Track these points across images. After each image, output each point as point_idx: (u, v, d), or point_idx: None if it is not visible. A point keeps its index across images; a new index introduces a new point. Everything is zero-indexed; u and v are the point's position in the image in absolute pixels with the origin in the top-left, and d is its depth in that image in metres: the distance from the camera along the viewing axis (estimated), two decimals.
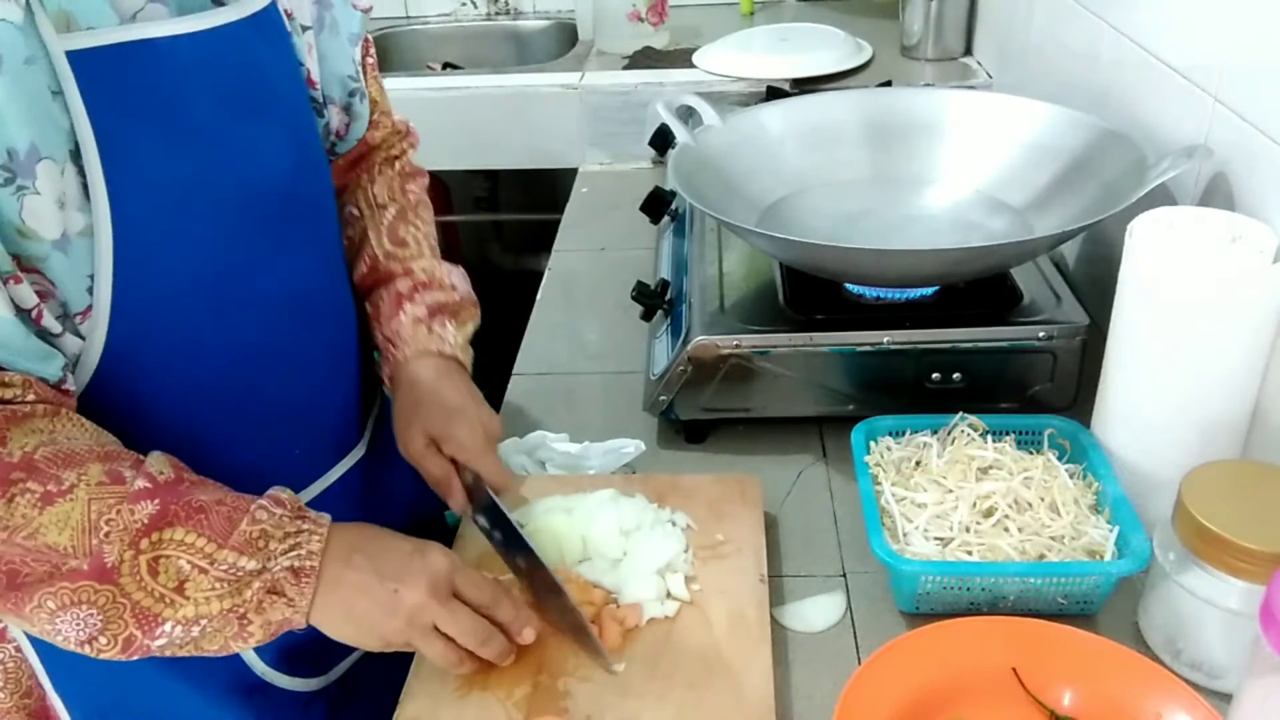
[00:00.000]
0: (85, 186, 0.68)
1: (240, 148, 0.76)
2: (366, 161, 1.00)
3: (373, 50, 0.97)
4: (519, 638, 0.77)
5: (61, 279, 0.69)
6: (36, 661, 0.84)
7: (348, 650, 0.94)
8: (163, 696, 0.84)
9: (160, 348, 0.74)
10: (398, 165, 1.02)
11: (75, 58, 0.66)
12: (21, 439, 0.67)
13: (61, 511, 0.66)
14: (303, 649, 0.88)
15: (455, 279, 0.97)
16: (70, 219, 0.68)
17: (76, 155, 0.67)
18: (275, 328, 0.82)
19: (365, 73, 0.95)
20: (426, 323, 0.91)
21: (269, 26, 0.81)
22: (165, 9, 0.72)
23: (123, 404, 0.73)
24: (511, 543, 0.82)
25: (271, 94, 0.80)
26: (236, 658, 0.85)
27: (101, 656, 0.68)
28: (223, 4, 0.77)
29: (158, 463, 0.71)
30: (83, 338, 0.72)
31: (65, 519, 0.66)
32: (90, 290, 0.70)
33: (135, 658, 0.69)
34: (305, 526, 0.72)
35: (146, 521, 0.68)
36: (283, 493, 0.74)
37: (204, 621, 0.69)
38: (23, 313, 0.67)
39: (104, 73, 0.68)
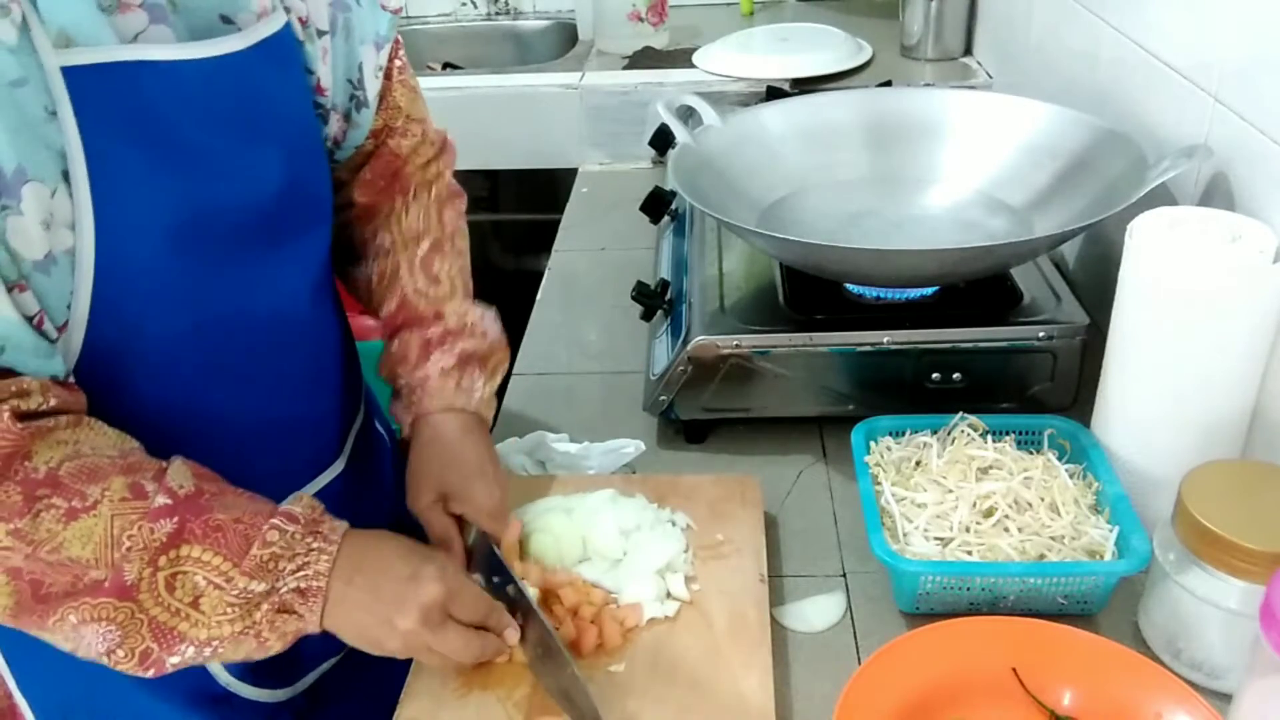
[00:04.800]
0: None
1: (231, 172, 0.75)
2: (400, 182, 0.96)
3: (402, 53, 0.94)
4: (510, 644, 0.78)
5: (44, 297, 0.68)
6: (2, 663, 0.84)
7: (315, 662, 0.94)
8: (127, 704, 0.83)
9: (134, 363, 0.74)
10: (434, 190, 0.98)
11: (71, 75, 0.66)
12: (46, 453, 0.67)
13: (85, 527, 0.67)
14: (271, 661, 0.87)
15: (488, 323, 0.94)
16: (57, 237, 0.67)
17: (68, 176, 0.67)
18: (254, 347, 0.81)
19: (393, 76, 0.92)
20: (455, 375, 0.89)
21: (278, 51, 0.79)
22: (170, 32, 0.71)
23: (96, 416, 0.72)
24: (515, 603, 0.80)
25: (270, 118, 0.79)
26: (201, 668, 0.85)
27: (120, 668, 0.69)
28: (233, 24, 0.75)
29: (178, 475, 0.71)
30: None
31: (89, 534, 0.67)
32: (68, 306, 0.69)
33: (151, 673, 0.70)
34: (316, 545, 0.72)
35: (165, 540, 0.68)
36: (296, 506, 0.74)
37: (216, 643, 0.70)
38: (25, 319, 0.67)
39: (99, 92, 0.67)
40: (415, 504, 0.86)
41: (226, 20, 0.75)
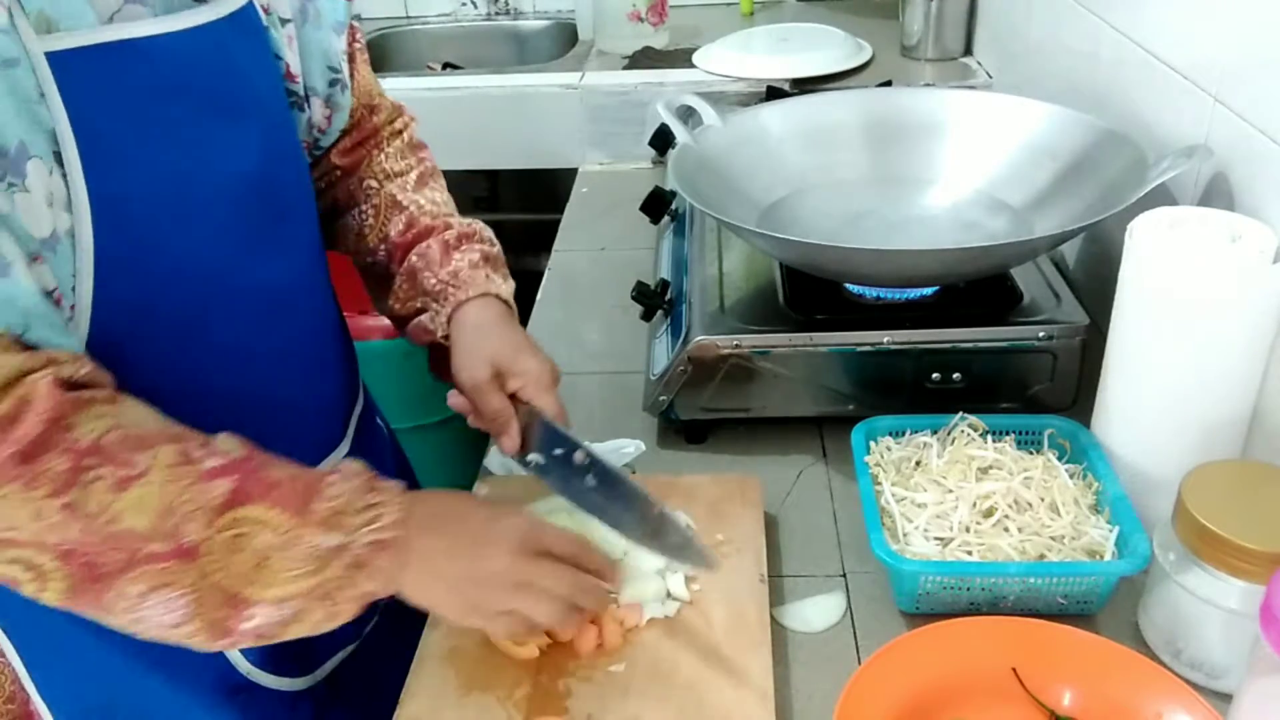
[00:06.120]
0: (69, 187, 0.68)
1: (217, 147, 0.76)
2: (375, 138, 1.01)
3: (360, 37, 0.96)
4: (610, 582, 0.79)
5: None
6: (20, 666, 0.83)
7: (334, 649, 0.94)
8: (148, 698, 0.83)
9: (140, 345, 0.74)
10: (404, 137, 1.02)
11: (55, 59, 0.66)
12: (88, 424, 0.65)
13: (138, 495, 0.65)
14: (289, 649, 0.87)
15: (491, 234, 0.99)
16: (58, 218, 0.68)
17: (60, 156, 0.67)
18: (256, 326, 0.82)
19: (355, 59, 0.95)
20: (483, 268, 0.93)
21: (246, 25, 0.81)
22: (145, 9, 0.72)
23: None
24: (578, 471, 0.81)
25: (247, 93, 0.80)
26: (222, 657, 0.85)
27: (191, 643, 0.67)
28: (203, 1, 0.77)
29: (226, 441, 0.70)
30: None
31: (143, 503, 0.65)
32: (73, 289, 0.69)
33: (223, 643, 0.68)
34: (376, 499, 0.71)
35: (223, 500, 0.66)
36: (354, 463, 0.73)
37: (290, 602, 0.67)
38: (46, 294, 0.67)
39: (84, 73, 0.67)
40: (472, 378, 0.86)
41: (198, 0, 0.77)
